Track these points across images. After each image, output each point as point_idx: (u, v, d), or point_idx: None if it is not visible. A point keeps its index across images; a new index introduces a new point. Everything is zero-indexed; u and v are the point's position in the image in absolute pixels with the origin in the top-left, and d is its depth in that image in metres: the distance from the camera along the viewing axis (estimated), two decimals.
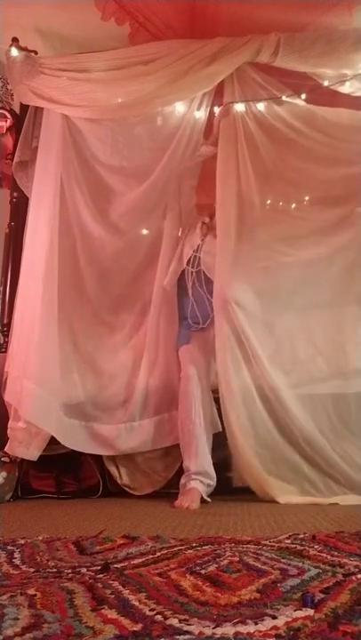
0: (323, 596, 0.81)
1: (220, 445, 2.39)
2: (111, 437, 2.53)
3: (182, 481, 2.28)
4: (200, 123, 2.71)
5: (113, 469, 2.56)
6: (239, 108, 2.64)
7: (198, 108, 2.71)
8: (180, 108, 2.73)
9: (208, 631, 0.66)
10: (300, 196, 2.72)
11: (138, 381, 2.58)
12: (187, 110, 2.72)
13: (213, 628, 0.67)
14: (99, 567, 1.03)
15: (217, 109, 2.70)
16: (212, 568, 1.00)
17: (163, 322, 2.66)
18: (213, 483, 2.28)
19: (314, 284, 2.51)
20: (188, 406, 2.36)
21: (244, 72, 2.66)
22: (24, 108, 2.92)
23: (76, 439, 2.52)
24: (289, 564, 1.01)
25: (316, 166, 2.65)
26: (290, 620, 0.70)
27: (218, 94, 2.71)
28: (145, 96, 2.67)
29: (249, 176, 2.57)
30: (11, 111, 3.02)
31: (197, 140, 2.70)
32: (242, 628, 0.67)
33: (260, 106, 2.65)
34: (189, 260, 2.63)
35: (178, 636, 0.65)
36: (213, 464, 2.32)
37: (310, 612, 0.73)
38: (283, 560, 1.05)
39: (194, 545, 1.23)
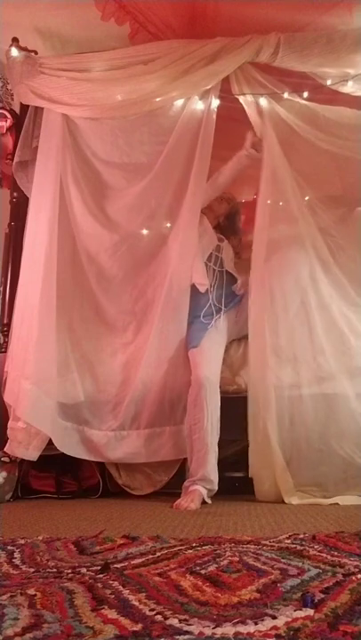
0: (323, 596, 0.81)
1: (221, 446, 2.38)
2: (100, 444, 2.50)
3: (186, 484, 2.27)
4: (201, 117, 2.68)
5: (113, 469, 2.56)
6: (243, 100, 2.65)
7: (198, 103, 2.69)
8: (180, 102, 2.71)
9: (208, 631, 0.66)
10: (300, 195, 2.72)
11: (133, 388, 2.52)
12: (187, 105, 2.70)
13: (213, 628, 0.67)
14: (99, 567, 1.03)
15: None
16: (212, 568, 1.00)
17: (171, 324, 2.57)
18: (215, 487, 2.27)
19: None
20: (199, 413, 2.32)
21: (244, 71, 2.65)
22: (24, 107, 2.91)
23: (68, 442, 2.50)
24: (289, 564, 1.01)
25: (317, 165, 2.65)
26: (290, 619, 0.70)
27: (222, 89, 2.69)
28: (145, 95, 2.67)
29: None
30: (11, 111, 3.01)
31: (199, 134, 2.64)
32: (242, 628, 0.67)
33: (262, 104, 2.65)
34: (210, 257, 2.64)
35: (178, 636, 0.65)
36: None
37: (310, 612, 0.73)
38: (283, 560, 1.05)
39: (194, 545, 1.23)
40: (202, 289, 2.59)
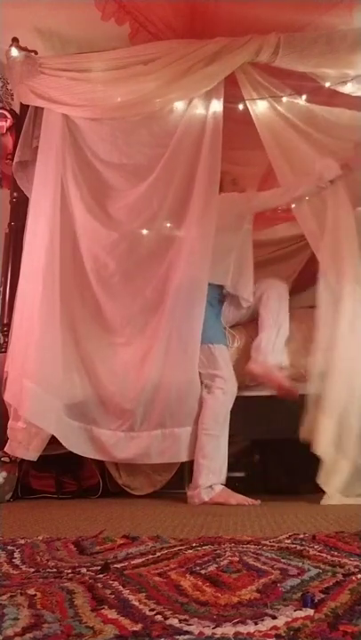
0: (323, 596, 0.81)
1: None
2: (109, 444, 2.49)
3: (214, 486, 2.29)
4: (204, 120, 2.67)
5: (113, 469, 2.56)
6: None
7: (200, 105, 2.68)
8: (180, 104, 2.71)
9: (208, 631, 0.66)
10: None
11: (141, 388, 2.50)
12: (189, 108, 2.69)
13: (213, 628, 0.67)
14: (99, 567, 1.03)
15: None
16: (212, 568, 1.00)
17: (181, 327, 2.52)
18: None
19: None
20: (217, 416, 2.39)
21: (245, 72, 2.65)
22: (24, 107, 2.91)
23: (74, 441, 2.50)
24: (289, 564, 1.01)
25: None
26: (290, 619, 0.70)
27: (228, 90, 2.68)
28: (145, 95, 2.67)
29: None
30: (11, 111, 3.01)
31: (204, 137, 2.63)
32: (242, 628, 0.67)
33: (263, 105, 2.65)
34: None
35: (178, 636, 0.65)
36: None
37: (310, 612, 0.73)
38: (283, 560, 1.05)
39: (194, 545, 1.23)
40: (245, 304, 2.63)
